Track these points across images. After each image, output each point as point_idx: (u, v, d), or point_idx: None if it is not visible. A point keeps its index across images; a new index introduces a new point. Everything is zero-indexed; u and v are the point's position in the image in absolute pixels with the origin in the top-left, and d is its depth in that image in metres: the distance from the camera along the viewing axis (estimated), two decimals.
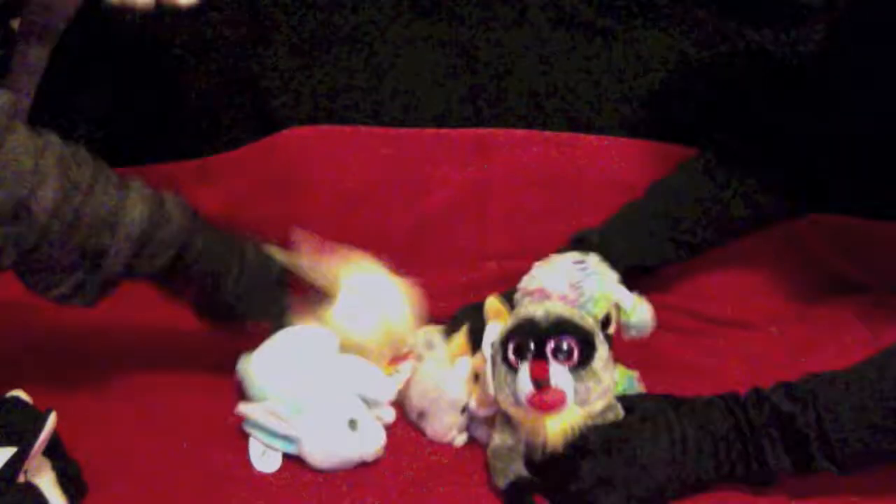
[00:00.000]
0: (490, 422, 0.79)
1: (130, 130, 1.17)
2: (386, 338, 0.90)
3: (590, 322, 0.73)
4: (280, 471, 0.76)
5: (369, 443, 0.77)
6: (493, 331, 0.77)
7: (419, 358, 0.85)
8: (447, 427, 0.81)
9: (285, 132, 1.12)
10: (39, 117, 1.18)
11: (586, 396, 0.71)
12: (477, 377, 0.80)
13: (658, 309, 0.79)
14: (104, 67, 1.18)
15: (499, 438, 0.75)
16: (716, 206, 0.95)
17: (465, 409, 0.81)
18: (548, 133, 1.09)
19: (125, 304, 1.05)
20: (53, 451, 0.69)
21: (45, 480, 0.67)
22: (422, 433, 0.83)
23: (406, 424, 0.84)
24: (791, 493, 0.72)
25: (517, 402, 0.72)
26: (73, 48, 1.19)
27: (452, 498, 0.74)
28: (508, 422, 0.75)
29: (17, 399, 0.75)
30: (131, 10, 0.89)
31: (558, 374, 0.70)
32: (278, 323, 0.84)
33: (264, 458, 0.76)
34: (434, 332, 0.89)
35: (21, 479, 0.63)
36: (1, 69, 1.19)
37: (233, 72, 1.15)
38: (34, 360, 0.91)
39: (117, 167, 1.16)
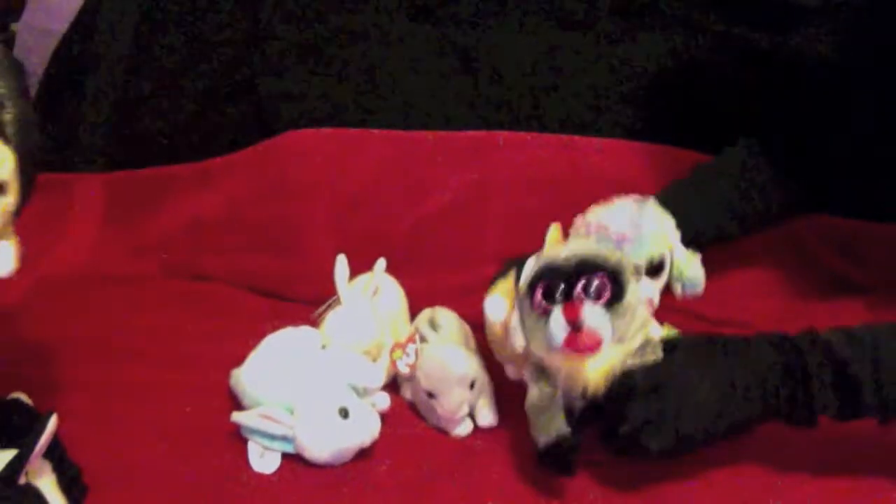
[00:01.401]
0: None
1: (131, 134, 1.18)
2: (385, 339, 0.90)
3: (617, 256, 0.70)
4: (279, 471, 0.76)
5: (363, 429, 0.77)
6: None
7: (423, 339, 0.84)
8: (457, 404, 0.80)
9: (285, 135, 1.12)
10: (40, 120, 1.18)
11: (624, 333, 0.68)
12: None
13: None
14: (104, 71, 1.18)
15: (535, 391, 0.72)
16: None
17: (473, 385, 0.80)
18: (547, 134, 1.09)
19: (126, 306, 1.06)
20: (54, 453, 0.69)
21: (46, 483, 0.67)
22: (429, 424, 0.83)
23: (406, 422, 0.84)
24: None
25: (552, 349, 0.68)
26: (72, 52, 1.19)
27: (453, 496, 0.74)
28: (543, 371, 0.72)
29: (17, 401, 0.75)
30: None
31: (592, 313, 0.66)
32: None
33: (263, 459, 0.77)
34: (438, 312, 0.89)
35: (21, 480, 0.63)
36: None
37: (233, 74, 1.16)
38: (35, 363, 0.91)
39: (118, 170, 1.17)
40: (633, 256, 0.74)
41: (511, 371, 0.80)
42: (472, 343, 0.90)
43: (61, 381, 0.86)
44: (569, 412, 0.70)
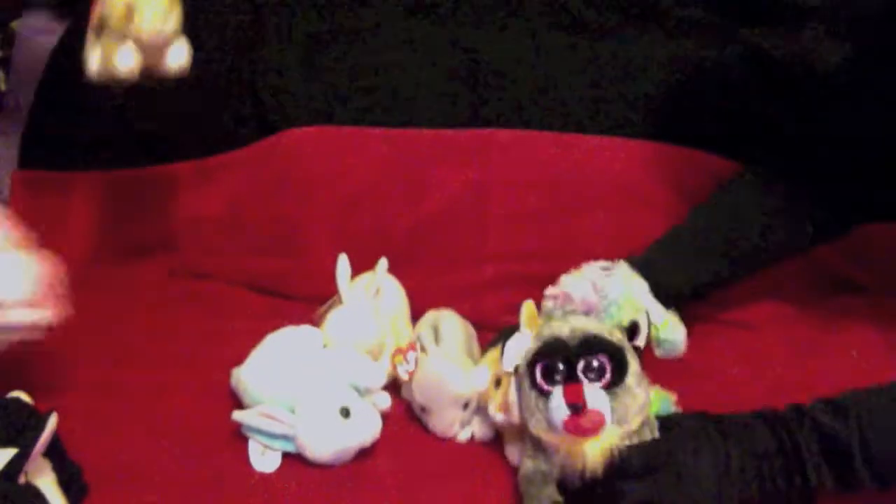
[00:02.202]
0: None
1: (131, 132, 1.18)
2: (385, 339, 0.90)
3: (618, 336, 0.71)
4: (280, 470, 0.76)
5: (364, 429, 0.77)
6: (519, 342, 0.74)
7: (423, 349, 0.84)
8: (449, 422, 0.80)
9: (285, 133, 1.12)
10: (39, 118, 1.18)
11: (624, 415, 0.67)
12: (498, 383, 0.77)
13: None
14: None
15: (530, 464, 0.72)
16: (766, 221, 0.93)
17: (467, 405, 0.80)
18: (548, 133, 1.09)
19: (126, 305, 1.06)
20: (54, 452, 0.69)
21: (46, 482, 0.67)
22: (424, 428, 0.83)
23: (407, 422, 0.84)
24: None
25: (551, 428, 0.68)
26: (72, 51, 1.19)
27: (453, 496, 0.74)
28: (539, 446, 0.72)
29: (17, 400, 0.75)
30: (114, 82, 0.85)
31: (594, 395, 0.67)
32: None
33: (264, 458, 0.77)
34: (442, 317, 0.88)
35: (21, 480, 0.63)
36: (4, 69, 1.19)
37: (233, 72, 1.15)
38: (35, 363, 0.91)
39: (118, 169, 1.17)
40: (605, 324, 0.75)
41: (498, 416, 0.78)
42: (476, 348, 0.89)
43: (61, 381, 0.86)
44: (562, 488, 0.70)
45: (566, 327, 0.70)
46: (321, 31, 1.15)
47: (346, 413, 0.76)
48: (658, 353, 0.76)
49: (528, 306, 0.76)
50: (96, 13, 0.83)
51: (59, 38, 1.19)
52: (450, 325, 0.88)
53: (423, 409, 0.81)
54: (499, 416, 0.76)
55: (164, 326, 1.00)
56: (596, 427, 0.66)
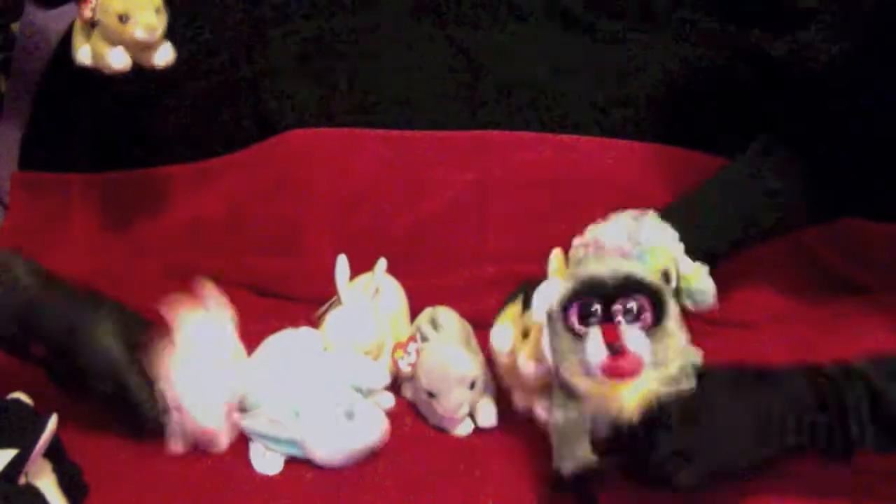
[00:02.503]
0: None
1: (130, 134, 1.18)
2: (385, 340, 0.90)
3: (658, 277, 0.67)
4: (281, 471, 0.76)
5: (370, 430, 0.77)
6: (550, 287, 0.69)
7: (424, 338, 0.84)
8: (457, 404, 0.80)
9: (285, 134, 1.12)
10: (39, 120, 1.18)
11: (663, 358, 0.64)
12: (525, 335, 0.74)
13: None
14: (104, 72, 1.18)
15: (561, 414, 0.67)
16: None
17: (473, 385, 0.80)
18: (547, 134, 1.09)
19: (126, 305, 1.06)
20: (54, 453, 0.69)
21: (46, 483, 0.67)
22: (429, 423, 0.83)
23: (407, 422, 0.84)
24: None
25: (587, 372, 0.64)
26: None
27: (454, 496, 0.74)
28: (570, 394, 0.67)
29: (18, 401, 0.75)
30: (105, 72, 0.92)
31: (633, 336, 0.63)
32: (122, 385, 0.76)
33: (265, 460, 0.77)
34: (439, 311, 0.89)
35: (22, 480, 0.63)
36: (3, 71, 1.20)
37: (232, 74, 1.16)
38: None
39: (118, 171, 1.17)
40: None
41: (518, 398, 0.77)
42: (474, 342, 0.90)
43: None
44: (592, 440, 0.67)
45: (604, 267, 0.66)
46: (321, 32, 1.15)
47: (350, 415, 0.76)
48: (689, 304, 0.74)
49: (557, 254, 0.73)
50: (86, 12, 0.90)
51: (59, 40, 1.19)
52: (448, 316, 0.88)
53: (431, 394, 0.81)
54: (530, 366, 0.72)
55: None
56: (635, 369, 0.63)
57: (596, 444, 0.66)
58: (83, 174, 1.17)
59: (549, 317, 0.68)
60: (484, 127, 1.10)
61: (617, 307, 0.64)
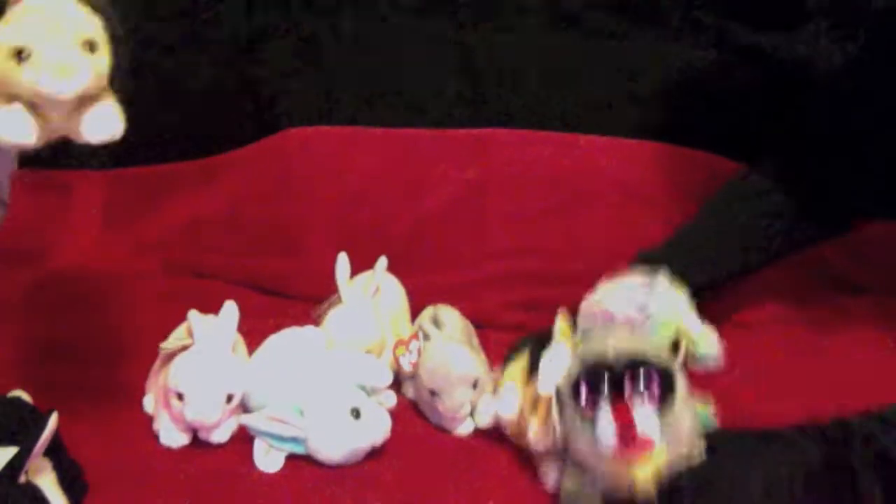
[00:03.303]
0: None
1: (131, 133, 1.18)
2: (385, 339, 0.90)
3: (665, 353, 0.68)
4: (283, 470, 0.76)
5: (375, 429, 0.77)
6: (557, 355, 0.71)
7: (426, 336, 0.84)
8: (459, 403, 0.80)
9: (285, 133, 1.12)
10: None
11: (674, 435, 0.64)
12: (534, 402, 0.73)
13: None
14: None
15: (571, 484, 0.68)
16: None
17: (476, 384, 0.80)
18: (547, 133, 1.09)
19: (125, 304, 1.06)
20: (54, 451, 0.69)
21: (46, 481, 0.66)
22: (430, 422, 0.83)
23: (408, 420, 0.84)
24: None
25: (598, 451, 0.64)
26: None
27: (454, 495, 0.74)
28: (581, 468, 0.68)
29: (18, 399, 0.75)
30: None
31: (644, 416, 0.63)
32: None
33: (268, 458, 0.77)
34: (441, 310, 0.88)
35: (22, 479, 0.63)
36: None
37: (233, 72, 1.16)
38: (35, 362, 0.91)
39: (119, 168, 1.17)
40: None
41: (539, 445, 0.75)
42: (476, 341, 0.89)
43: (61, 380, 0.86)
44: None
45: (610, 347, 0.66)
46: (321, 32, 1.15)
47: (356, 414, 0.76)
48: (693, 367, 0.75)
49: (561, 319, 0.73)
50: None
51: None
52: (450, 315, 0.88)
53: (433, 393, 0.81)
54: (540, 442, 0.72)
55: (164, 325, 1.00)
56: (647, 448, 0.63)
57: None
58: (84, 172, 1.17)
59: (558, 393, 0.68)
60: (484, 126, 1.10)
61: (626, 387, 0.64)
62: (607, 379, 0.64)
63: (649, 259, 0.86)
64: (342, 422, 0.76)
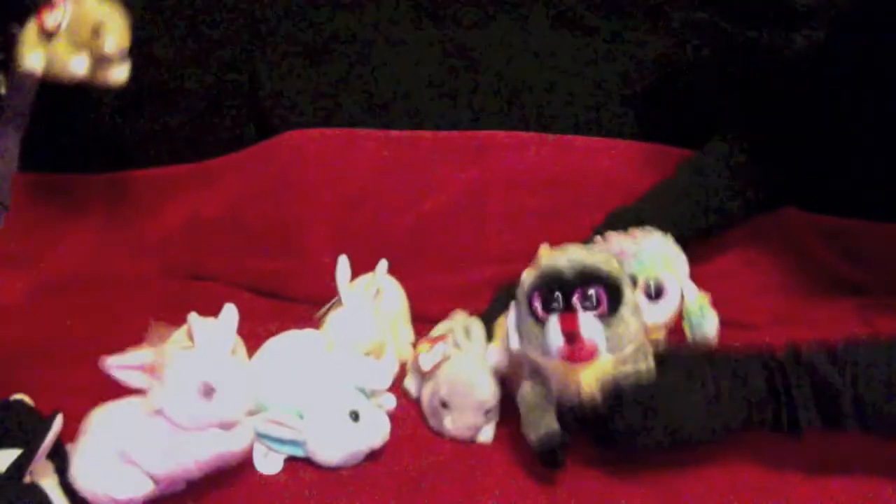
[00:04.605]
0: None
1: (131, 134, 1.18)
2: (386, 339, 0.90)
3: (615, 266, 0.71)
4: (282, 472, 0.76)
5: (374, 432, 0.77)
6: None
7: (456, 345, 0.84)
8: (468, 425, 0.80)
9: (285, 135, 1.12)
10: (40, 120, 1.19)
11: (617, 343, 0.69)
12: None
13: None
14: None
15: (528, 387, 0.73)
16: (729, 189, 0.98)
17: (489, 412, 0.80)
18: (547, 135, 1.09)
19: (126, 306, 1.06)
20: (57, 453, 0.69)
21: (50, 482, 0.67)
22: (428, 424, 0.83)
23: (407, 423, 0.84)
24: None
25: (547, 354, 0.69)
26: None
27: (453, 496, 0.74)
28: (537, 371, 0.73)
29: (21, 402, 0.75)
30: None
31: (588, 324, 0.68)
32: None
33: (266, 460, 0.77)
34: (473, 323, 0.87)
35: (26, 480, 0.64)
36: (4, 72, 1.19)
37: (233, 75, 1.16)
38: (35, 364, 0.91)
39: (118, 171, 1.18)
40: (629, 270, 0.76)
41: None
42: None
43: (62, 382, 0.86)
44: (559, 411, 0.72)
45: (563, 258, 0.71)
46: (321, 32, 1.15)
47: (355, 416, 0.77)
48: (688, 334, 0.78)
49: (545, 248, 0.77)
50: (50, 22, 0.91)
51: None
52: (480, 331, 0.86)
53: (445, 405, 0.81)
54: (495, 354, 0.78)
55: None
56: (589, 355, 0.68)
57: (560, 415, 0.72)
58: (84, 175, 1.17)
59: (517, 302, 0.73)
60: (484, 127, 1.10)
61: (575, 296, 0.68)
62: (559, 290, 0.69)
63: (622, 211, 0.94)
64: (341, 424, 0.76)
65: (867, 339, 0.71)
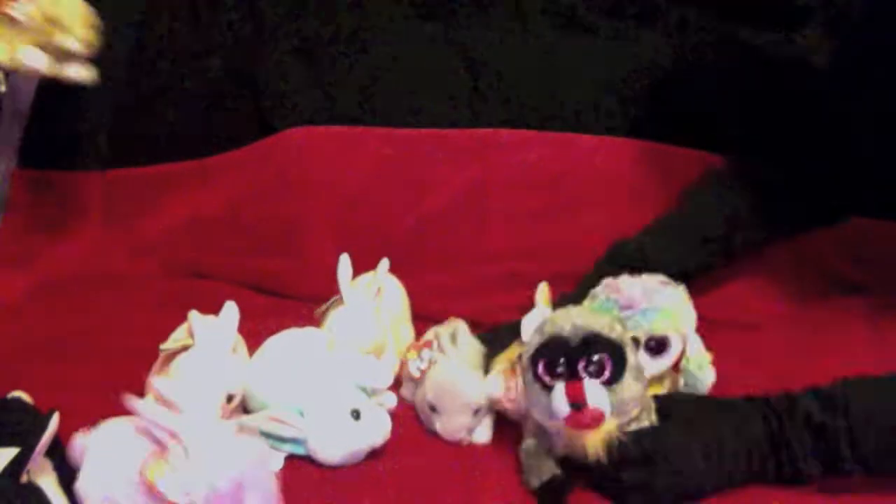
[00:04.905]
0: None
1: (131, 134, 1.18)
2: (387, 339, 0.90)
3: (619, 330, 0.72)
4: (283, 470, 0.76)
5: (375, 430, 0.77)
6: (538, 316, 0.76)
7: (442, 350, 0.84)
8: (457, 427, 0.80)
9: (285, 133, 1.12)
10: (40, 118, 1.18)
11: (622, 407, 0.70)
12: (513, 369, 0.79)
13: None
14: (104, 72, 1.18)
15: (532, 441, 0.75)
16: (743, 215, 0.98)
17: (478, 412, 0.81)
18: (547, 133, 1.09)
19: (125, 305, 1.06)
20: (55, 452, 0.69)
21: (47, 481, 0.67)
22: (426, 427, 0.83)
23: (407, 422, 0.84)
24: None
25: (553, 419, 0.70)
26: None
27: (453, 496, 0.74)
28: (542, 429, 0.74)
29: (18, 400, 0.75)
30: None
31: (594, 391, 0.68)
32: None
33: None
34: (460, 328, 0.87)
35: (24, 479, 0.63)
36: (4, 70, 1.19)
37: (233, 73, 1.16)
38: (35, 363, 0.91)
39: (118, 169, 1.18)
40: (634, 326, 0.77)
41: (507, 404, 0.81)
42: (484, 366, 0.89)
43: (61, 381, 0.86)
44: (567, 463, 0.74)
45: (567, 324, 0.71)
46: (321, 32, 1.15)
47: (356, 415, 0.76)
48: (680, 384, 0.80)
49: (542, 289, 0.80)
50: (6, 9, 0.88)
51: None
52: (466, 336, 0.86)
53: (433, 409, 0.81)
54: (509, 407, 0.78)
55: (163, 326, 1.00)
56: (596, 421, 0.69)
57: (562, 465, 0.73)
58: (83, 173, 1.17)
59: (522, 366, 0.74)
60: (484, 126, 1.10)
61: (580, 364, 0.69)
62: (563, 355, 0.69)
63: (620, 249, 0.94)
64: (342, 423, 0.76)
65: (861, 379, 0.72)
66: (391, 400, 0.81)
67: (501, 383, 0.79)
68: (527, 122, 1.10)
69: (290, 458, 0.77)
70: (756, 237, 0.99)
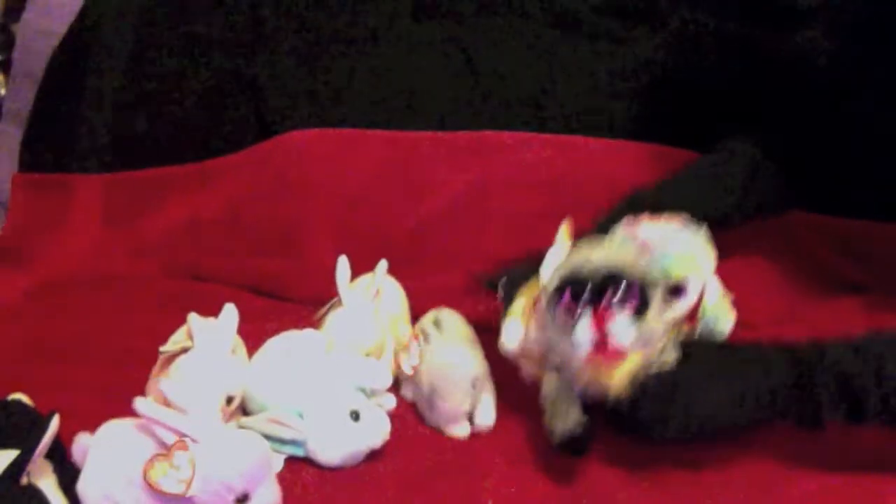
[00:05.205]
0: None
1: (131, 134, 1.18)
2: (386, 341, 0.90)
3: (642, 266, 0.71)
4: (282, 472, 0.76)
5: (374, 432, 0.77)
6: (559, 252, 0.75)
7: (426, 338, 0.84)
8: (458, 402, 0.80)
9: (285, 135, 1.12)
10: (39, 120, 1.19)
11: (647, 341, 0.69)
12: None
13: None
14: (104, 72, 1.18)
15: (554, 380, 0.74)
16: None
17: (475, 385, 0.81)
18: (547, 135, 1.09)
19: (126, 306, 1.06)
20: (55, 454, 0.69)
21: (47, 483, 0.67)
22: (425, 423, 0.83)
23: (406, 422, 0.84)
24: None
25: (575, 355, 0.70)
26: (72, 52, 1.20)
27: (453, 495, 0.74)
28: (559, 369, 0.73)
29: (18, 402, 0.75)
30: None
31: (619, 324, 0.68)
32: None
33: None
34: (443, 312, 0.88)
35: (24, 481, 0.63)
36: (4, 72, 1.20)
37: (233, 74, 1.16)
38: (35, 363, 0.91)
39: (118, 171, 1.18)
40: (649, 268, 0.75)
41: (527, 369, 0.80)
42: (477, 343, 0.90)
43: (61, 382, 0.86)
44: (582, 400, 0.72)
45: (593, 256, 0.70)
46: (322, 32, 1.15)
47: (356, 416, 0.77)
48: (698, 330, 0.78)
49: (566, 224, 0.80)
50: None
51: (60, 41, 1.19)
52: (451, 317, 0.88)
53: (433, 392, 0.81)
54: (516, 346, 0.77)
55: (163, 327, 1.00)
56: (620, 355, 0.68)
57: (583, 404, 0.72)
58: (83, 175, 1.17)
59: (545, 298, 0.72)
60: (484, 127, 1.10)
61: (606, 296, 0.68)
62: (589, 289, 0.68)
63: (638, 197, 0.92)
64: (342, 424, 0.76)
65: (891, 332, 0.71)
66: (390, 401, 0.82)
67: (520, 326, 0.78)
68: (526, 124, 1.10)
69: (290, 460, 0.77)
70: (770, 201, 0.97)
